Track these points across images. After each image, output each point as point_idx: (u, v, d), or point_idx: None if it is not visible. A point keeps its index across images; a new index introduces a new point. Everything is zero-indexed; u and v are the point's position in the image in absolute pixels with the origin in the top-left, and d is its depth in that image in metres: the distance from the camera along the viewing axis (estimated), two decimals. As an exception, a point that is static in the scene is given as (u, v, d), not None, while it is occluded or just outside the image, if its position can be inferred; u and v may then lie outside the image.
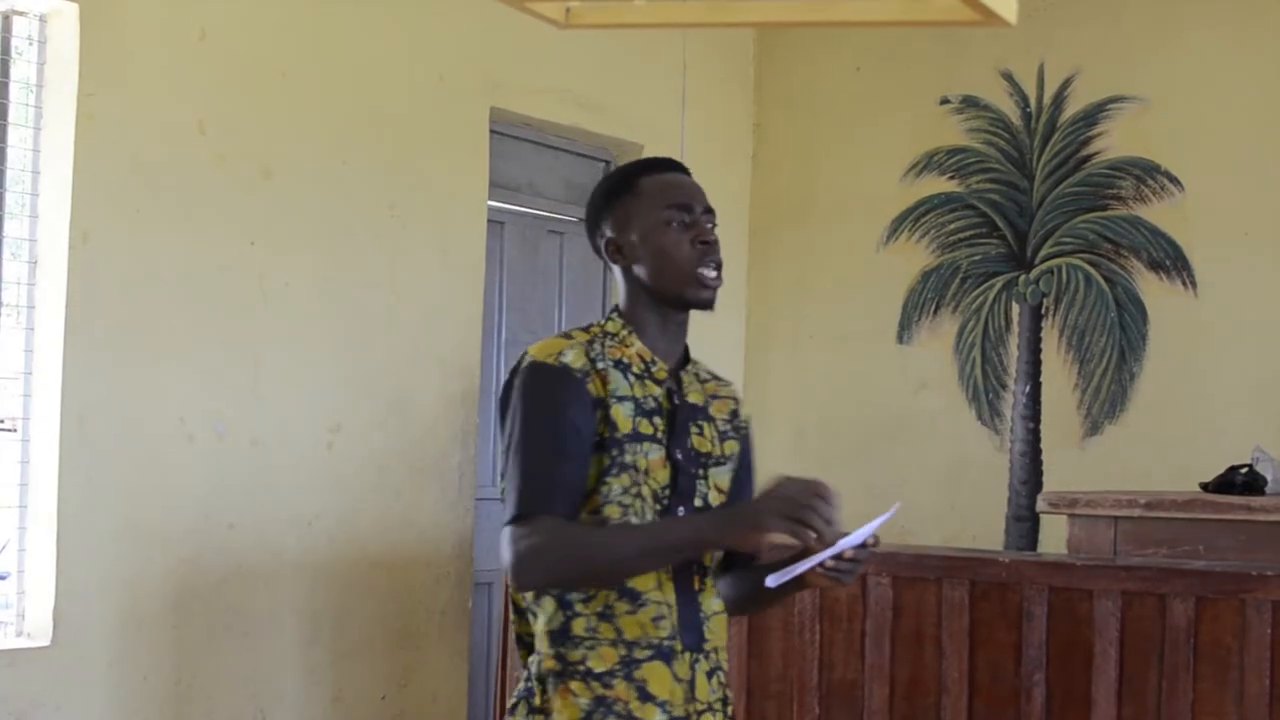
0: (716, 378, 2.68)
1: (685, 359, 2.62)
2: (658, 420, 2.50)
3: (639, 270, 2.54)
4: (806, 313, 6.93)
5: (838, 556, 2.42)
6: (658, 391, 2.52)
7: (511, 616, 2.58)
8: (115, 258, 4.50)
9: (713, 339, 6.89)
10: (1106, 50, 6.40)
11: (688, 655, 2.47)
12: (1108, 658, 3.76)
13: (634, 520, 2.44)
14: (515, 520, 2.38)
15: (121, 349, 4.53)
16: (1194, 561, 4.10)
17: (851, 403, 6.81)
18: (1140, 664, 3.74)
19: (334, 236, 5.15)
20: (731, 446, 2.61)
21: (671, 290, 2.53)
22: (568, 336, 2.52)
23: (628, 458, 2.45)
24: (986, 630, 3.90)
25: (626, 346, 2.53)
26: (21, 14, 4.44)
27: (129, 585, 4.53)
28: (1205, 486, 4.86)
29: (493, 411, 5.91)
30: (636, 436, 2.47)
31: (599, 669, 2.42)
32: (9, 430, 4.51)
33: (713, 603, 2.54)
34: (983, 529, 6.44)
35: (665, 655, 2.44)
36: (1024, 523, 6.41)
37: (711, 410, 2.60)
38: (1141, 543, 4.51)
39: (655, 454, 2.48)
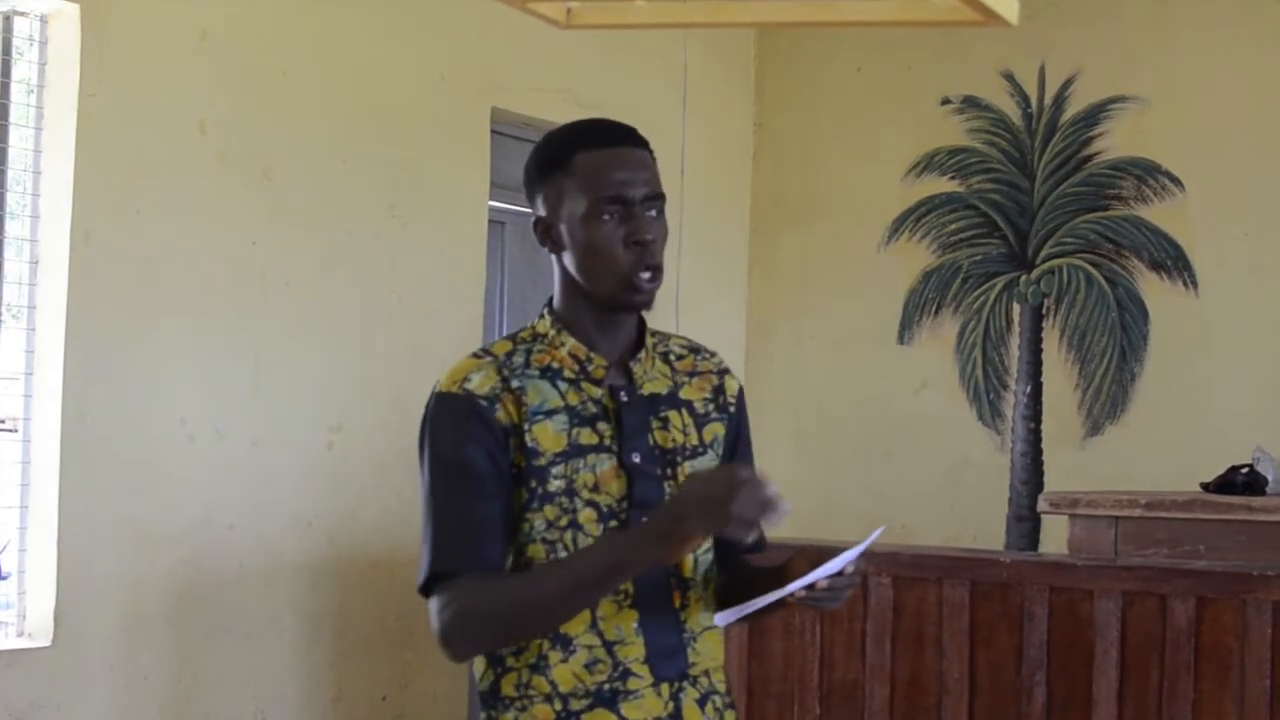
0: (696, 350, 2.38)
1: (639, 344, 2.29)
2: (603, 426, 2.21)
3: (568, 260, 2.24)
4: (807, 313, 6.93)
5: (810, 586, 2.13)
6: (598, 393, 2.23)
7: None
8: (116, 258, 4.50)
9: (713, 339, 6.88)
10: (1107, 51, 6.40)
11: (665, 687, 2.20)
12: (1109, 658, 3.76)
13: (563, 554, 2.17)
14: (433, 584, 2.17)
15: (122, 349, 4.53)
16: (1195, 562, 4.10)
17: (852, 403, 6.81)
18: (1141, 664, 3.74)
19: (335, 236, 5.15)
20: (715, 430, 2.32)
21: (600, 290, 2.22)
22: (483, 353, 2.25)
23: (554, 484, 2.17)
24: (987, 630, 3.90)
25: (556, 348, 2.25)
26: (22, 14, 4.43)
27: (130, 585, 4.53)
28: (1206, 487, 4.86)
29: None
30: (577, 450, 2.18)
31: None
32: (10, 430, 4.51)
33: (700, 618, 2.25)
34: (983, 529, 6.44)
35: (608, 700, 2.17)
36: (1025, 523, 6.41)
37: (683, 394, 2.30)
38: (1142, 543, 4.51)
39: (606, 464, 2.19)
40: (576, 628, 2.17)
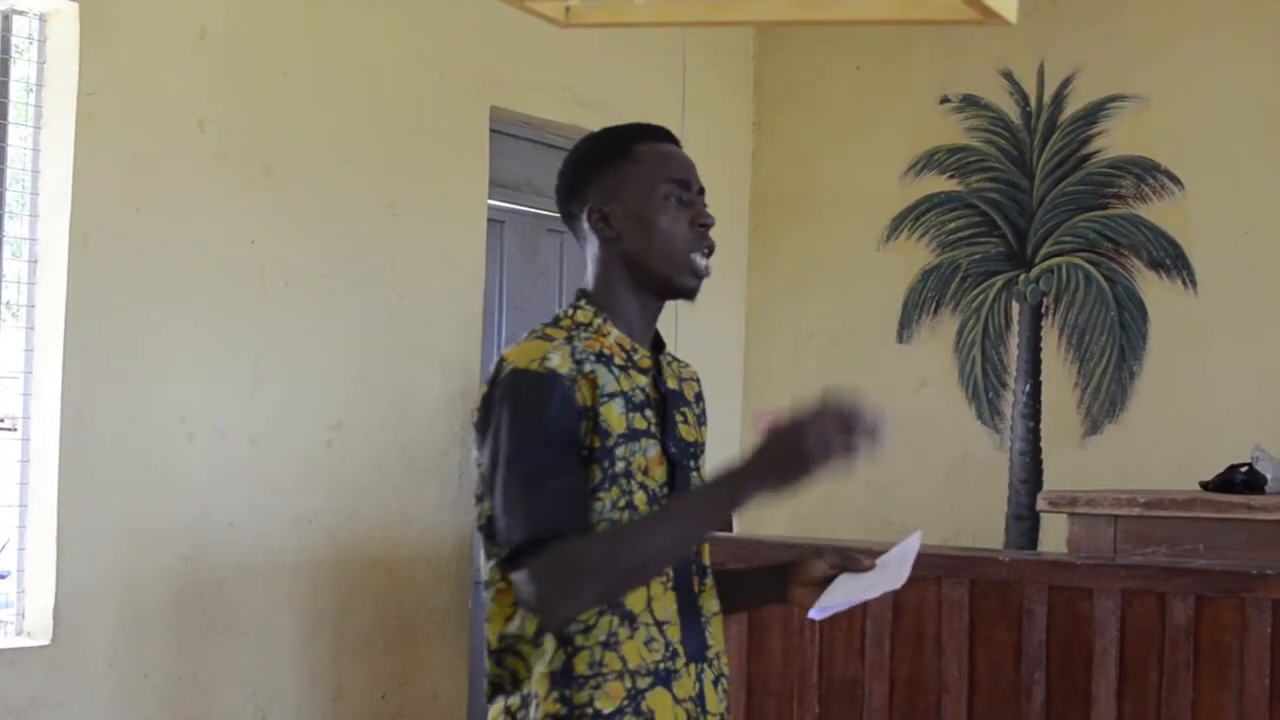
0: (676, 359, 2.50)
1: (659, 343, 2.43)
2: (649, 413, 2.30)
3: (628, 245, 2.33)
4: (806, 311, 6.93)
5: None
6: (644, 381, 2.32)
7: (487, 664, 2.33)
8: (115, 257, 4.50)
9: (713, 338, 6.90)
10: (1107, 49, 6.40)
11: (693, 667, 2.29)
12: (1108, 657, 3.76)
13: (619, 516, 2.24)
14: (526, 549, 2.16)
15: (121, 348, 4.53)
16: (1194, 560, 4.10)
17: (851, 401, 6.80)
18: (1140, 663, 3.74)
19: (334, 235, 5.15)
20: (705, 431, 2.45)
21: (660, 272, 2.33)
22: (545, 337, 2.29)
23: (619, 465, 2.23)
24: (986, 629, 3.90)
25: (603, 336, 2.32)
26: (21, 13, 4.43)
27: (129, 584, 4.53)
28: (1205, 485, 4.86)
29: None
30: (632, 434, 2.26)
31: (607, 709, 2.20)
32: (9, 429, 4.51)
33: (711, 604, 2.36)
34: (983, 528, 6.44)
35: (664, 679, 2.25)
36: (1024, 521, 6.42)
37: (686, 395, 2.42)
38: (1141, 541, 4.51)
39: (652, 450, 2.28)
40: (638, 605, 2.24)
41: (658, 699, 2.23)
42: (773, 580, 2.47)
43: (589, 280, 2.41)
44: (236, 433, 4.83)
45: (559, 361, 2.23)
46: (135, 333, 4.56)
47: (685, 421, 2.37)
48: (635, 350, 2.34)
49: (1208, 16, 6.22)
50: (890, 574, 2.37)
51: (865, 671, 4.02)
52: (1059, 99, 6.49)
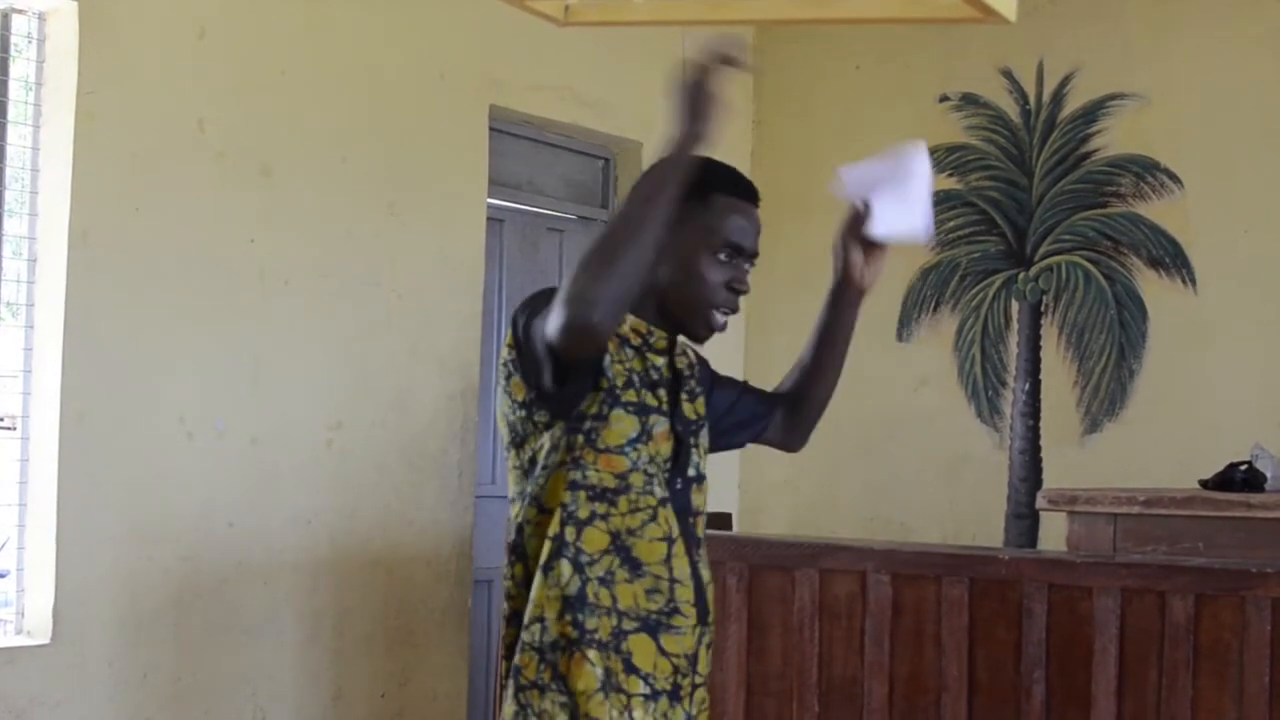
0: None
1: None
2: (661, 393, 2.46)
3: (661, 275, 2.46)
4: (806, 310, 6.86)
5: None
6: (660, 362, 2.48)
7: (501, 626, 2.46)
8: (115, 256, 4.50)
9: (712, 337, 6.89)
10: (1106, 48, 6.40)
11: (698, 630, 2.44)
12: (1107, 655, 3.76)
13: (657, 490, 2.40)
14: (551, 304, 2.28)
15: (121, 347, 4.53)
16: (1193, 559, 4.09)
17: (851, 400, 6.74)
18: (1140, 661, 3.74)
19: (333, 234, 5.15)
20: (701, 404, 2.57)
21: (677, 312, 2.49)
22: None
23: (647, 429, 2.41)
24: (986, 628, 3.90)
25: (621, 322, 2.40)
26: (21, 12, 4.43)
27: (129, 583, 4.53)
28: (1205, 483, 4.85)
29: (491, 411, 5.91)
30: (643, 408, 2.41)
31: (604, 638, 2.35)
32: (8, 428, 4.51)
33: (706, 572, 2.51)
34: (982, 526, 6.44)
35: (652, 628, 2.38)
36: (1024, 520, 6.41)
37: (685, 372, 2.56)
38: (1141, 540, 4.51)
39: (661, 426, 2.43)
40: (651, 556, 2.38)
41: (639, 643, 2.36)
42: (835, 292, 2.93)
43: None
44: (236, 432, 4.84)
45: None
46: (135, 332, 4.56)
47: (690, 399, 2.51)
48: (651, 333, 2.48)
49: (1207, 15, 6.22)
50: (904, 197, 2.68)
51: (865, 671, 4.02)
52: (1058, 97, 6.49)
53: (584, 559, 2.35)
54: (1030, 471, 6.44)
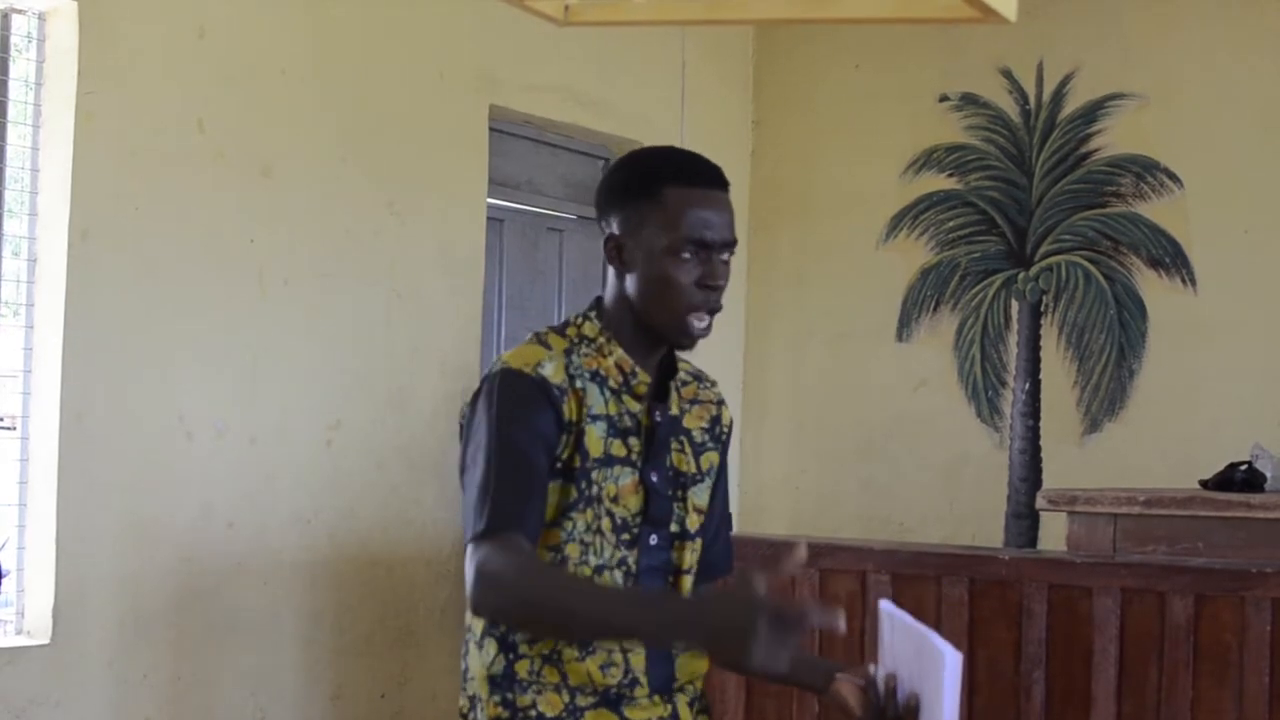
0: (699, 378, 2.44)
1: (669, 365, 2.35)
2: (633, 441, 2.25)
3: (629, 286, 2.27)
4: (806, 310, 6.93)
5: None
6: (636, 408, 2.27)
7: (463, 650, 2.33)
8: (114, 255, 4.50)
9: (712, 337, 6.88)
10: (1106, 47, 6.40)
11: (657, 698, 2.26)
12: (1107, 655, 3.76)
13: (592, 559, 2.21)
14: (484, 536, 2.11)
15: (120, 347, 4.53)
16: (1193, 559, 4.10)
17: (851, 400, 6.81)
18: (1140, 661, 3.74)
19: (333, 234, 5.15)
20: (710, 459, 2.37)
21: (654, 320, 2.26)
22: (544, 343, 2.25)
23: (593, 489, 2.20)
24: (986, 628, 3.90)
25: (604, 356, 2.27)
26: (21, 12, 4.43)
27: (128, 583, 4.53)
28: (1205, 484, 4.85)
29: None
30: (607, 460, 2.22)
31: (550, 714, 2.20)
32: (8, 428, 4.51)
33: None
34: (982, 526, 6.44)
35: (613, 702, 2.22)
36: (1023, 520, 6.41)
37: (686, 421, 2.35)
38: (1141, 540, 4.51)
39: (627, 478, 2.23)
40: None
41: (599, 718, 2.21)
42: (808, 685, 2.43)
43: (606, 294, 2.33)
44: (236, 432, 4.83)
45: (552, 371, 2.21)
46: (134, 331, 4.56)
47: (682, 450, 2.31)
48: (634, 374, 2.28)
49: (1206, 14, 6.22)
50: (925, 694, 2.20)
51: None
52: (1058, 97, 6.49)
53: (516, 637, 2.21)
54: (1030, 471, 6.44)
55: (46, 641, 4.35)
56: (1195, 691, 3.68)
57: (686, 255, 2.24)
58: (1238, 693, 3.64)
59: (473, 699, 2.27)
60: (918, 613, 3.97)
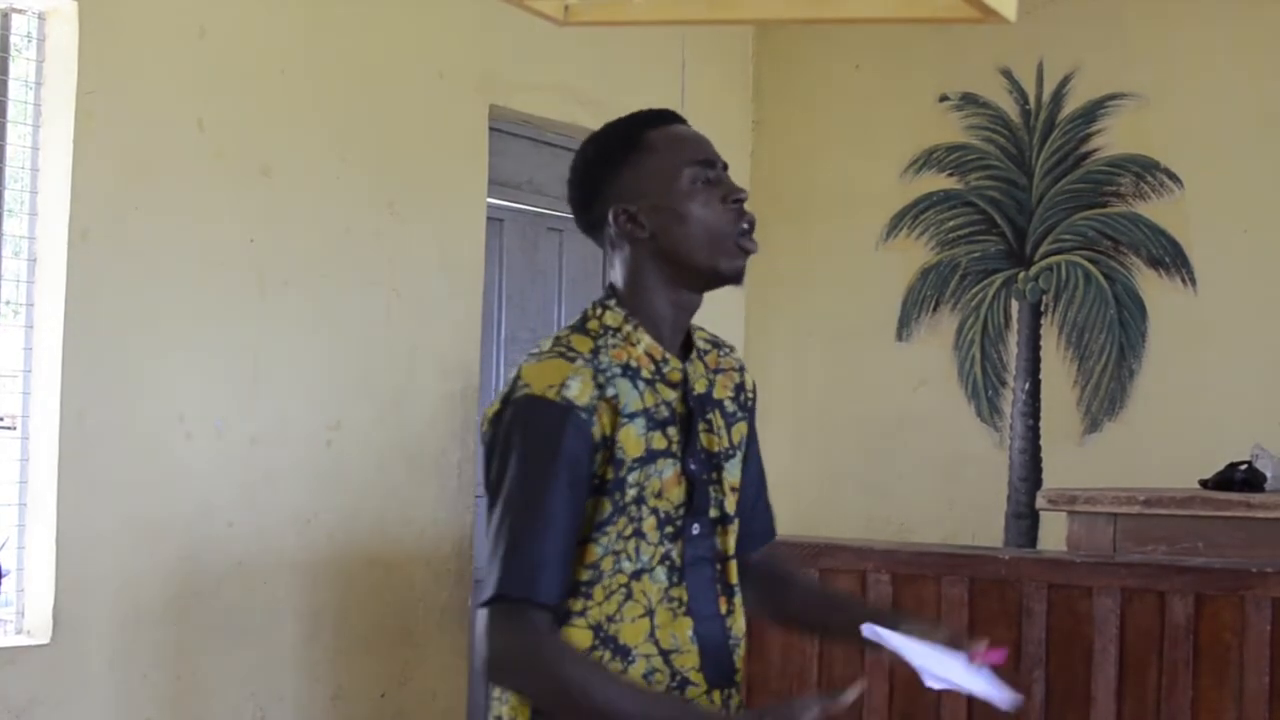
0: (717, 345, 2.35)
1: (689, 343, 2.27)
2: (671, 431, 2.16)
3: (663, 241, 2.17)
4: (805, 310, 6.93)
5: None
6: (671, 396, 2.18)
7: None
8: (114, 255, 4.50)
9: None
10: (1106, 47, 6.40)
11: (717, 694, 2.19)
12: (1107, 655, 3.76)
13: (627, 565, 2.13)
14: (497, 602, 2.07)
15: (121, 346, 4.53)
16: (1193, 558, 4.10)
17: (851, 400, 6.81)
18: (1140, 661, 3.74)
19: (333, 234, 5.15)
20: (740, 429, 2.30)
21: (703, 262, 2.18)
22: (567, 352, 2.14)
23: (630, 494, 2.12)
24: (986, 627, 3.90)
25: (632, 345, 2.17)
26: (20, 11, 4.43)
27: (129, 583, 4.53)
28: (1205, 483, 4.86)
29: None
30: (649, 456, 2.13)
31: None
32: (8, 428, 4.50)
33: (740, 623, 2.25)
34: (982, 526, 6.44)
35: None
36: (1023, 520, 6.41)
37: (715, 393, 2.26)
38: (1141, 540, 4.51)
39: (669, 470, 2.15)
40: (635, 637, 2.14)
41: None
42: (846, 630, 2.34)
43: (619, 280, 2.22)
44: (236, 432, 4.83)
45: (578, 390, 2.10)
46: (134, 331, 4.56)
47: (710, 429, 2.22)
48: (665, 361, 2.19)
49: (1206, 14, 6.22)
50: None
51: (865, 671, 4.02)
52: (1058, 97, 6.49)
53: None
54: (1030, 471, 6.44)
55: (46, 641, 4.35)
56: (1195, 691, 3.68)
57: (699, 183, 2.18)
58: (1238, 693, 3.64)
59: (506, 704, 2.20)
60: (918, 612, 3.98)
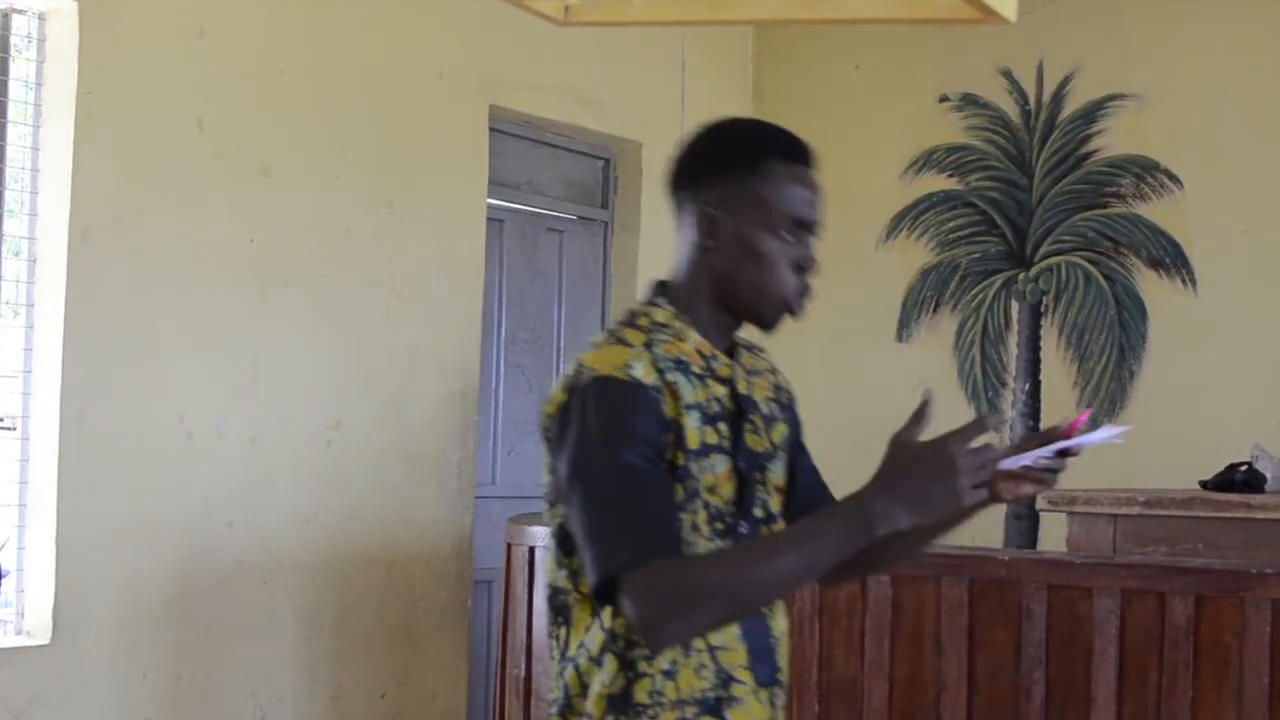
0: (749, 348, 2.31)
1: (733, 342, 2.25)
2: (722, 426, 2.13)
3: (723, 263, 2.16)
4: (806, 310, 6.91)
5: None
6: (721, 392, 2.15)
7: (549, 624, 2.18)
8: (114, 255, 4.50)
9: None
10: (1106, 48, 6.40)
11: (764, 693, 2.15)
12: (1107, 656, 3.76)
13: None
14: (628, 572, 1.97)
15: (121, 347, 4.53)
16: (1193, 559, 4.10)
17: (851, 401, 6.80)
18: (1140, 662, 3.74)
19: (333, 234, 5.15)
20: (780, 431, 2.26)
21: (752, 304, 2.18)
22: (622, 341, 2.10)
23: (690, 484, 2.08)
24: (986, 628, 3.90)
25: (682, 341, 2.14)
26: (21, 12, 4.43)
27: (128, 583, 4.53)
28: (1205, 484, 4.85)
29: (491, 409, 5.91)
30: (704, 450, 2.09)
31: None
32: (9, 428, 4.51)
33: (780, 622, 2.22)
34: (982, 527, 6.37)
35: (712, 708, 2.10)
36: (1023, 520, 6.41)
37: (754, 394, 2.23)
38: (1141, 540, 4.51)
39: (721, 466, 2.11)
40: None
41: None
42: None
43: (673, 272, 2.20)
44: (236, 432, 4.83)
45: (643, 371, 2.06)
46: (134, 332, 4.56)
47: (754, 430, 2.19)
48: (714, 357, 2.16)
49: (1206, 15, 6.22)
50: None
51: (865, 671, 4.02)
52: (1058, 98, 6.48)
53: (636, 653, 2.07)
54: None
55: (46, 641, 4.35)
56: (1195, 692, 3.67)
57: (787, 235, 2.17)
58: (1238, 693, 3.63)
59: (582, 716, 2.12)
60: (917, 613, 3.98)
